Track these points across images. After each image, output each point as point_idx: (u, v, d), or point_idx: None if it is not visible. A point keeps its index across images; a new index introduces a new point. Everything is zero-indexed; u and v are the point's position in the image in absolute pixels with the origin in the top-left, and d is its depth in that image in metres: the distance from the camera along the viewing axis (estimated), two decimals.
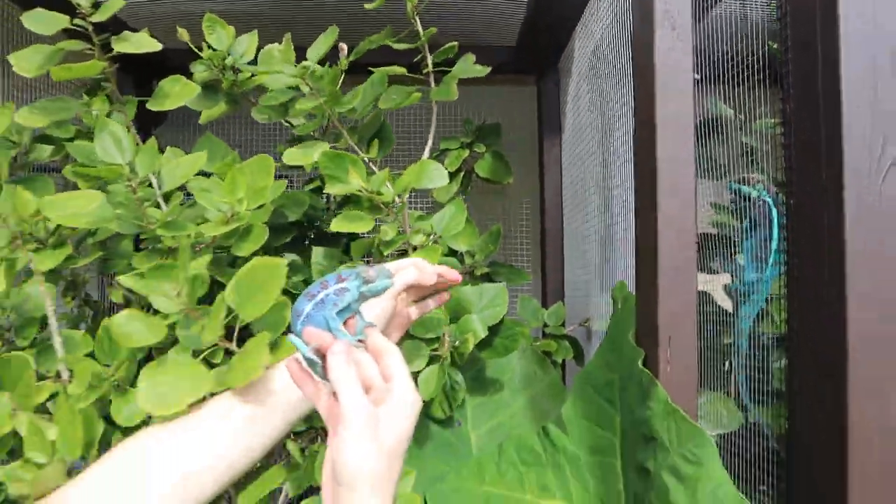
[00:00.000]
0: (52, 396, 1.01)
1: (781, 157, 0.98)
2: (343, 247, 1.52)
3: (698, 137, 0.98)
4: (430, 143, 1.39)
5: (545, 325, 1.70)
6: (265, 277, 0.92)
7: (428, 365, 1.17)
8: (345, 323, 0.72)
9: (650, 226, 0.94)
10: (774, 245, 0.99)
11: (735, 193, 1.08)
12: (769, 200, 1.00)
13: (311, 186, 1.54)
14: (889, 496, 0.76)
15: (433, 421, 1.38)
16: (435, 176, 1.22)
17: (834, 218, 0.78)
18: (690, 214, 0.91)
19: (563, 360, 1.70)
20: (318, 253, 1.36)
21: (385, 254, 1.25)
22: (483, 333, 1.20)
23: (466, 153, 1.86)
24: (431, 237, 1.29)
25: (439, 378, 1.16)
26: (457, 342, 1.19)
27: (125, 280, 0.89)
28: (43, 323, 1.21)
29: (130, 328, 0.89)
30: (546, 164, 1.94)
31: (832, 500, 0.78)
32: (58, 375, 1.04)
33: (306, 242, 1.47)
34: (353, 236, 1.42)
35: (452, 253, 1.57)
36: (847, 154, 0.77)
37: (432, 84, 1.37)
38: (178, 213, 1.11)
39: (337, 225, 1.18)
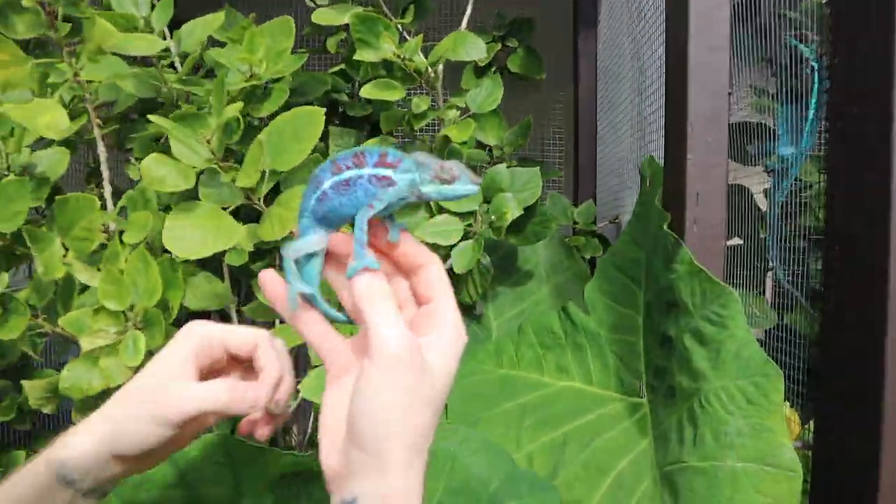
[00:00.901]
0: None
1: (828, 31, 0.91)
2: (367, 131, 1.48)
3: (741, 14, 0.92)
4: (468, 10, 1.31)
5: (574, 223, 1.66)
6: (302, 125, 0.90)
7: (462, 240, 1.14)
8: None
9: (678, 75, 0.89)
10: (812, 114, 0.93)
11: (791, 50, 1.01)
12: (815, 65, 0.93)
13: (336, 69, 1.49)
14: None
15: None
16: (472, 47, 1.17)
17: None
18: (724, 59, 0.85)
19: (592, 258, 1.67)
20: (336, 134, 1.33)
21: (416, 128, 1.22)
22: (518, 212, 1.16)
23: (498, 47, 1.80)
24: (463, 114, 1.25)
25: (474, 252, 1.13)
26: (493, 218, 1.15)
27: (155, 119, 0.86)
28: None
29: (161, 171, 0.87)
30: (581, 59, 1.87)
31: (868, 406, 0.74)
32: (106, 228, 1.01)
33: (328, 128, 1.44)
34: (378, 115, 1.38)
35: (480, 146, 1.53)
36: None
37: None
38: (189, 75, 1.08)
39: (367, 91, 1.14)
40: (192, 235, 0.85)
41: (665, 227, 0.92)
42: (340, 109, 1.49)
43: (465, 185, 0.49)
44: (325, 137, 1.37)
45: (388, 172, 0.48)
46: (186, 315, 0.97)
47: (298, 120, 0.89)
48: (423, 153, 0.50)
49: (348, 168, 0.48)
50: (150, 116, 0.86)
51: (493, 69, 1.84)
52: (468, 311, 1.37)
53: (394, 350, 0.43)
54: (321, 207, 0.49)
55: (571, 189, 1.92)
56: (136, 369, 0.82)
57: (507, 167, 1.45)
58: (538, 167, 1.30)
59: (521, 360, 1.19)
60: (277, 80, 1.13)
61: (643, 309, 1.04)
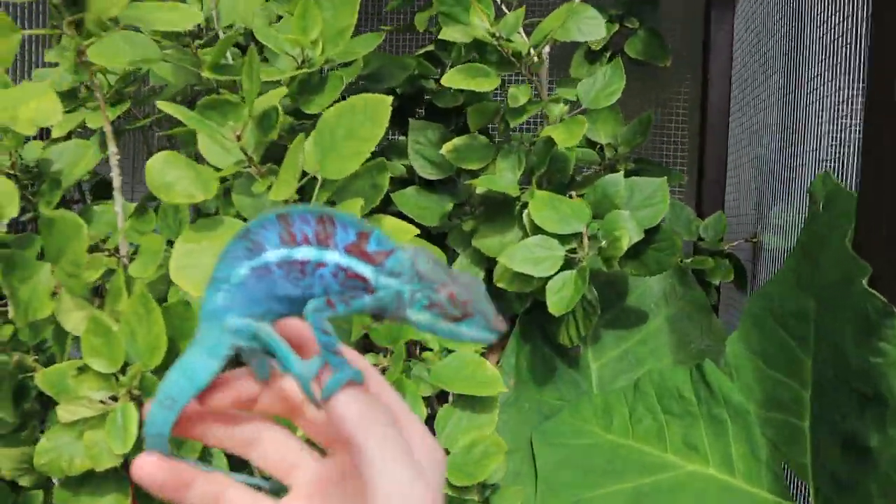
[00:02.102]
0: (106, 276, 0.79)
1: None
2: (455, 125, 1.24)
3: None
4: None
5: (699, 239, 1.39)
6: (360, 119, 0.68)
7: (561, 270, 0.89)
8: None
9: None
10: None
11: None
12: None
13: (423, 51, 1.26)
14: None
15: (545, 346, 1.10)
16: (588, 24, 0.92)
17: None
18: None
19: (719, 285, 1.38)
20: (417, 128, 1.09)
21: (513, 125, 0.97)
22: (638, 236, 0.91)
23: (616, 28, 1.53)
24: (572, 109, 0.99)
25: (577, 287, 0.88)
26: (603, 243, 0.90)
27: (165, 106, 0.65)
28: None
29: (170, 176, 0.66)
30: (713, 44, 1.58)
31: None
32: (115, 251, 0.82)
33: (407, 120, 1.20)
34: (468, 104, 1.14)
35: (590, 144, 1.27)
36: None
37: None
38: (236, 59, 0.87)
39: (451, 79, 0.91)
40: (209, 264, 0.63)
41: (864, 282, 0.65)
42: (427, 98, 1.26)
43: (477, 330, 0.37)
44: (402, 130, 1.15)
45: (364, 270, 0.37)
46: None
47: (356, 111, 0.67)
48: (429, 255, 0.37)
49: (305, 240, 0.36)
50: (159, 104, 0.65)
51: (607, 54, 1.58)
52: (563, 353, 1.12)
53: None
54: (257, 286, 0.37)
55: (694, 198, 1.64)
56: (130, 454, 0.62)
57: (624, 173, 1.18)
58: (664, 178, 1.03)
59: (637, 426, 0.93)
60: (346, 65, 0.91)
61: (813, 384, 0.77)
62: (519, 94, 0.94)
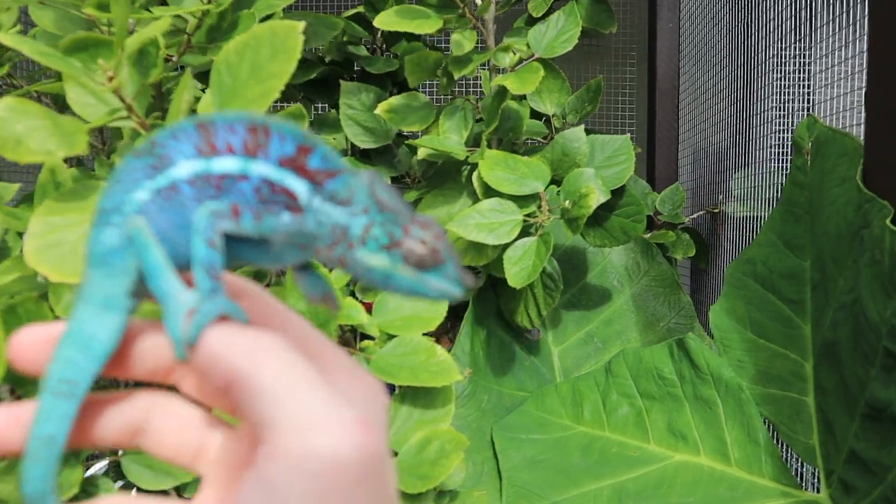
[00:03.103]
0: None
1: None
2: (391, 93, 1.11)
3: None
4: None
5: (656, 213, 1.29)
6: (268, 55, 0.55)
7: (519, 238, 0.77)
8: None
9: None
10: None
11: None
12: None
13: (352, 12, 1.13)
14: None
15: (502, 331, 0.98)
16: None
17: None
18: None
19: (676, 261, 1.30)
20: (349, 91, 0.96)
21: (456, 78, 0.85)
22: (605, 195, 0.79)
23: None
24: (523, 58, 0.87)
25: (539, 255, 0.76)
26: (566, 203, 0.78)
27: (5, 38, 0.50)
28: None
29: (19, 127, 0.50)
30: (660, 7, 1.49)
31: None
32: None
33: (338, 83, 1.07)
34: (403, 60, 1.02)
35: (536, 116, 1.15)
36: None
37: None
38: None
39: (385, 20, 0.78)
40: (73, 242, 0.48)
41: (888, 222, 0.54)
42: (357, 67, 1.13)
43: (448, 282, 0.27)
44: (332, 102, 1.02)
45: (297, 186, 0.28)
46: None
47: (261, 44, 0.53)
48: (388, 185, 0.27)
49: (230, 149, 0.28)
50: (2, 36, 0.49)
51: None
52: (521, 338, 1.00)
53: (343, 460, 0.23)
54: (160, 215, 0.27)
55: (644, 172, 1.55)
56: None
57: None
58: (627, 135, 0.93)
59: (613, 414, 0.82)
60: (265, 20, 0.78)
61: (813, 351, 0.67)
62: (463, 41, 0.82)
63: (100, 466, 0.78)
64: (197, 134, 0.27)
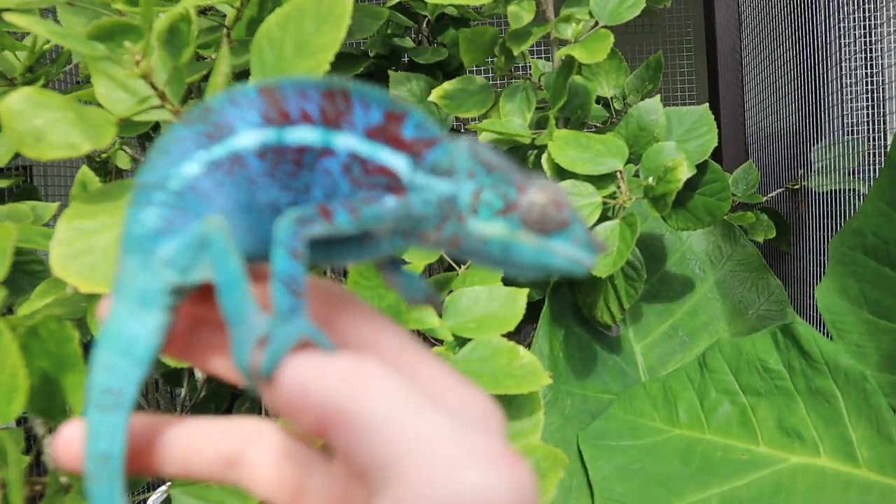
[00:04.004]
0: None
1: None
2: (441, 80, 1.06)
3: None
4: None
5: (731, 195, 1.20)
6: (314, 27, 0.51)
7: (599, 222, 0.70)
8: None
9: None
10: None
11: None
12: None
13: (394, 1, 1.07)
14: None
15: (580, 329, 0.90)
16: None
17: None
18: None
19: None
20: (397, 81, 0.90)
21: (515, 54, 0.78)
22: (691, 170, 0.72)
23: None
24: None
25: (625, 240, 0.69)
26: (650, 180, 0.71)
27: (17, 18, 0.44)
28: None
29: (39, 120, 0.45)
30: None
31: None
32: None
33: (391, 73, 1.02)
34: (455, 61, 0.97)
35: (595, 100, 1.08)
36: None
37: None
38: None
39: None
40: (109, 247, 0.43)
41: None
42: (404, 59, 1.09)
43: (579, 247, 0.23)
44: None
45: (395, 162, 0.23)
46: None
47: (305, 15, 0.47)
48: (489, 146, 0.24)
49: (306, 118, 0.23)
50: (9, 16, 0.44)
51: None
52: (600, 336, 0.92)
53: None
54: (219, 192, 0.23)
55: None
56: None
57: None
58: (706, 105, 0.85)
59: (712, 414, 0.74)
60: None
61: None
62: (521, 12, 0.75)
63: (157, 497, 0.73)
64: (261, 99, 0.23)
